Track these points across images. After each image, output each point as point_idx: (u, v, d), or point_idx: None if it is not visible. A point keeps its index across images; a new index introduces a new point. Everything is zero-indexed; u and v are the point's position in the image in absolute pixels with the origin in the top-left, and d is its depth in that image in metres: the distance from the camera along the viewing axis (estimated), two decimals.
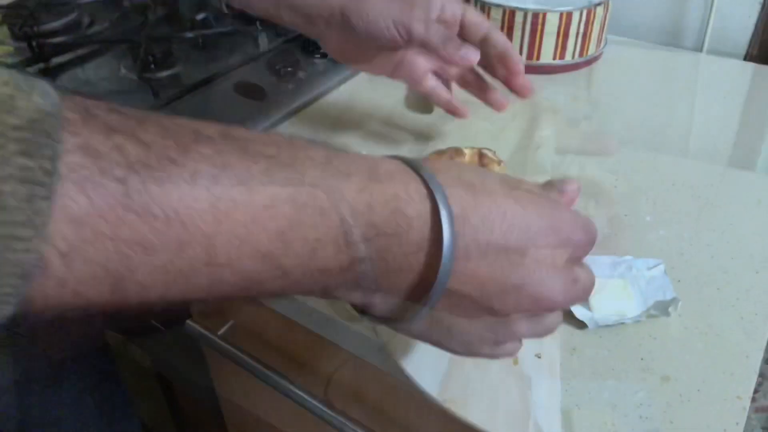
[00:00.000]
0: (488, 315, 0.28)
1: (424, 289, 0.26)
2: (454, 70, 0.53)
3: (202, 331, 0.51)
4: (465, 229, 0.25)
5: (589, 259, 0.46)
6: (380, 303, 0.27)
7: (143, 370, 0.75)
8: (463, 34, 0.48)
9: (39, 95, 0.18)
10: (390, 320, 0.28)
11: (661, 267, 0.45)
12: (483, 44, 0.48)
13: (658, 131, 0.63)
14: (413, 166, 0.26)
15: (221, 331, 0.52)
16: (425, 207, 0.25)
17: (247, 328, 0.53)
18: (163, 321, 0.64)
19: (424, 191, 0.25)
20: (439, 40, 0.45)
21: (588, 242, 0.30)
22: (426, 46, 0.46)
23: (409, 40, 0.46)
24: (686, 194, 0.54)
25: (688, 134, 0.62)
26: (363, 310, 0.29)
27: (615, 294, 0.43)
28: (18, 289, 0.18)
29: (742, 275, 0.45)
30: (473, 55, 0.45)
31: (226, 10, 0.50)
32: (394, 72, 0.51)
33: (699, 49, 0.80)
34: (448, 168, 0.27)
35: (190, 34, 0.77)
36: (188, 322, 0.53)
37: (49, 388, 0.58)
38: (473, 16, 0.48)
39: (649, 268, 0.45)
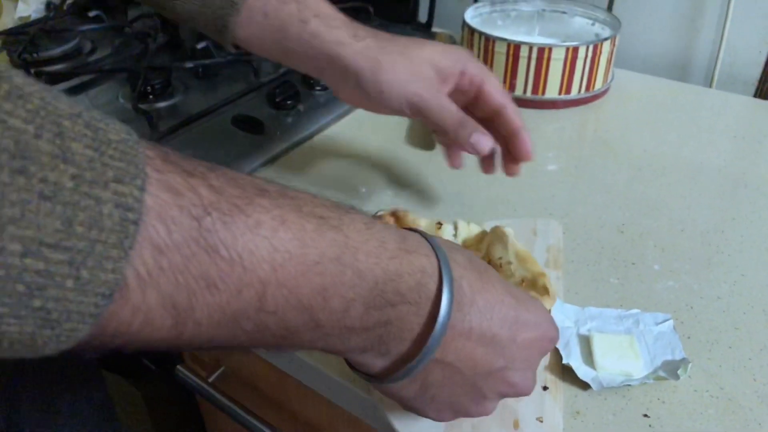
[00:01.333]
0: (470, 391, 0.31)
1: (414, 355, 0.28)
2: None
3: (192, 378, 0.49)
4: (472, 311, 0.28)
5: (595, 312, 0.45)
6: (379, 363, 0.29)
7: (135, 405, 0.73)
8: (479, 102, 0.46)
9: (125, 132, 0.20)
10: (381, 379, 0.30)
11: (670, 323, 0.43)
12: (495, 117, 0.46)
13: (667, 170, 0.61)
14: (432, 243, 0.29)
15: (212, 378, 0.50)
16: (439, 285, 0.28)
17: (239, 375, 0.51)
18: (155, 362, 0.62)
19: (438, 270, 0.28)
20: (452, 125, 0.43)
21: (555, 339, 0.33)
22: (437, 126, 0.44)
23: (424, 120, 0.44)
24: (696, 241, 0.52)
25: (698, 174, 0.60)
26: (356, 368, 0.30)
27: (621, 351, 0.41)
28: (100, 309, 0.19)
29: (754, 332, 0.43)
30: (484, 144, 0.42)
31: (233, 50, 0.47)
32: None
33: (708, 84, 0.79)
34: (459, 251, 0.30)
35: (190, 64, 0.76)
36: (179, 367, 0.51)
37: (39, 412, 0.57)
38: (492, 86, 0.45)
39: (658, 324, 0.43)
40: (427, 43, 0.45)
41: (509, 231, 0.45)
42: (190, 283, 0.21)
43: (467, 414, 0.32)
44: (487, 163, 0.50)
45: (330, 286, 0.24)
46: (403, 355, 0.28)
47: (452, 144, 0.51)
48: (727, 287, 0.47)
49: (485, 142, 0.42)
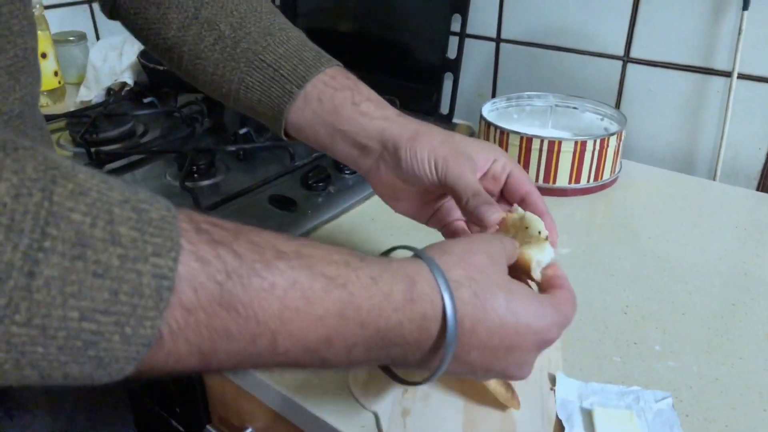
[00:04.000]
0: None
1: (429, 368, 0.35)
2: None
3: None
4: (471, 339, 0.34)
5: (597, 387, 0.48)
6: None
7: None
8: (507, 188, 0.48)
9: (165, 209, 0.25)
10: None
11: (669, 400, 0.46)
12: (522, 203, 0.47)
13: (670, 256, 0.65)
14: (439, 284, 0.33)
15: None
16: (442, 324, 0.33)
17: None
18: (184, 423, 0.65)
19: (442, 312, 0.32)
20: (468, 191, 0.43)
21: (554, 338, 0.38)
22: (454, 192, 0.44)
23: (444, 186, 0.45)
24: (696, 325, 0.55)
25: (701, 262, 0.64)
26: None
27: (622, 426, 0.44)
28: (141, 354, 0.24)
29: (750, 413, 0.46)
30: (490, 215, 0.42)
31: (285, 138, 0.51)
32: (430, 220, 0.50)
33: (712, 177, 0.84)
34: (465, 286, 0.34)
35: (232, 147, 0.84)
36: (208, 427, 0.55)
37: None
38: (521, 174, 0.47)
39: (657, 401, 0.46)
40: (466, 136, 0.48)
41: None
42: (213, 334, 0.26)
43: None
44: None
45: (333, 335, 0.29)
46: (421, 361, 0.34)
47: (454, 225, 0.51)
48: (725, 369, 0.50)
49: (492, 213, 0.42)
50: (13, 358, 0.22)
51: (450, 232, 0.49)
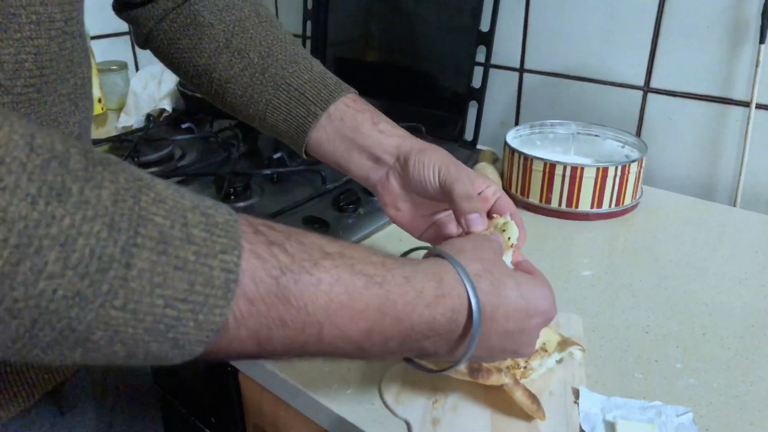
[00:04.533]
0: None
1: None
2: None
3: None
4: (492, 325, 0.39)
5: (620, 402, 0.50)
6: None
7: None
8: (494, 208, 0.52)
9: (227, 213, 0.29)
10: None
11: (690, 415, 0.48)
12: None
13: (691, 279, 0.67)
14: (464, 278, 0.38)
15: None
16: (468, 314, 0.37)
17: None
18: None
19: (467, 302, 0.37)
20: (463, 195, 0.48)
21: (552, 316, 0.44)
22: (451, 196, 0.49)
23: (442, 188, 0.50)
24: (716, 344, 0.57)
25: (720, 284, 0.66)
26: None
27: None
28: (210, 338, 0.28)
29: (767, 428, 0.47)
30: (478, 222, 0.47)
31: (305, 157, 0.57)
32: (424, 234, 0.55)
33: (732, 203, 0.85)
34: (484, 277, 0.39)
35: (267, 171, 0.88)
36: None
37: None
38: (505, 199, 0.52)
39: (678, 415, 0.48)
40: None
41: None
42: (269, 323, 0.29)
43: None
44: None
45: (373, 328, 0.33)
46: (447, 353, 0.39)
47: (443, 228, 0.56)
48: (745, 387, 0.51)
49: (479, 220, 0.47)
50: (108, 336, 0.26)
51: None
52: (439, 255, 0.40)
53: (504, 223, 0.50)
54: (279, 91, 0.55)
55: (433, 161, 0.51)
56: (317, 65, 0.57)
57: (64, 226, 0.23)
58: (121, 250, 0.25)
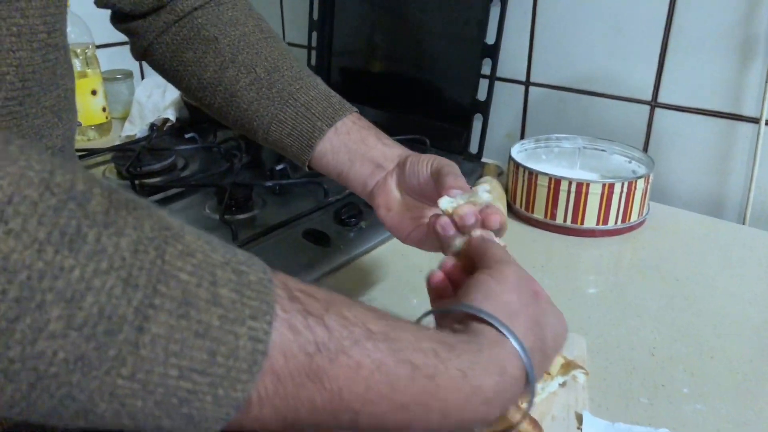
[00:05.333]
0: None
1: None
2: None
3: None
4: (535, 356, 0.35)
5: (623, 428, 0.48)
6: None
7: None
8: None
9: (261, 271, 0.26)
10: None
11: None
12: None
13: (698, 299, 0.65)
14: (528, 365, 0.34)
15: None
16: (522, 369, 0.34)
17: None
18: None
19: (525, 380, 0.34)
20: (454, 186, 0.47)
21: (566, 338, 0.41)
22: (442, 185, 0.48)
23: (433, 175, 0.50)
24: (724, 368, 0.55)
25: (729, 305, 0.64)
26: None
27: None
28: (229, 416, 0.25)
29: None
30: (470, 216, 0.45)
31: (307, 169, 0.58)
32: (410, 235, 0.54)
33: (741, 221, 0.84)
34: (539, 340, 0.36)
35: (269, 183, 0.87)
36: None
37: None
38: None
39: None
40: None
41: None
42: (298, 404, 0.26)
43: None
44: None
45: (414, 422, 0.29)
46: None
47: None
48: (754, 414, 0.50)
49: (472, 216, 0.45)
50: (114, 408, 0.23)
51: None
52: (492, 325, 0.34)
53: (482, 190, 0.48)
54: (285, 105, 0.55)
55: (429, 158, 0.52)
56: (321, 83, 0.58)
57: (72, 279, 0.21)
58: (135, 310, 0.22)
